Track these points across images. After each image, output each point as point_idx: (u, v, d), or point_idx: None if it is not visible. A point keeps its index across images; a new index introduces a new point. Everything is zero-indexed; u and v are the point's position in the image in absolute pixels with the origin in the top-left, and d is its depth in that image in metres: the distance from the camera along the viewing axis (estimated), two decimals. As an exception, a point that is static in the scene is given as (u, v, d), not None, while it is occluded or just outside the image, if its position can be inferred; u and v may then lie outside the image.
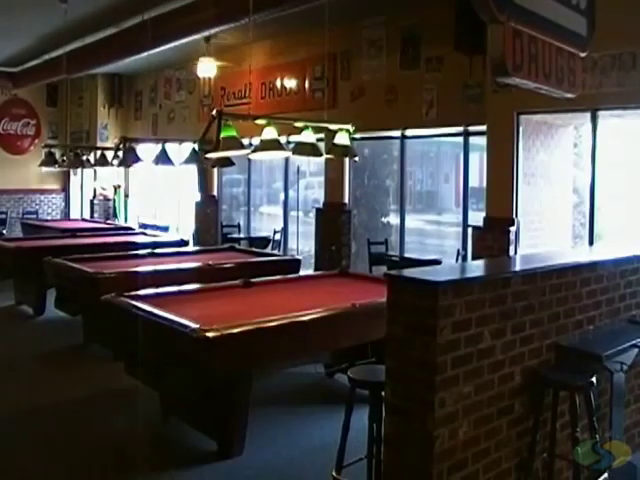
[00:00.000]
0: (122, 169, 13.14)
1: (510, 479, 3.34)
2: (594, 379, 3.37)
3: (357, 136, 7.38)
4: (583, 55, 3.82)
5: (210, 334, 3.90)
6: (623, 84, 5.97)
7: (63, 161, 10.74)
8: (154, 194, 14.53)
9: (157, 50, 8.94)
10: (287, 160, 10.68)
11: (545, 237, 7.13)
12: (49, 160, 10.71)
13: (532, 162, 7.02)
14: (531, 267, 3.57)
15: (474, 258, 7.16)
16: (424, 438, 2.93)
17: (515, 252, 6.78)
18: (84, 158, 10.44)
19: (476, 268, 4.18)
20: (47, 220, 13.83)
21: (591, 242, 6.56)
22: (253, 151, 5.90)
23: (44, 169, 11.55)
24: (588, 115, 6.43)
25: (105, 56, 10.65)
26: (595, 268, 3.91)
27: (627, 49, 5.92)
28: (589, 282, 3.84)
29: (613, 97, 6.05)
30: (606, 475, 3.47)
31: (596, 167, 6.48)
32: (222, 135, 5.33)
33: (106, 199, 14.75)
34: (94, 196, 14.76)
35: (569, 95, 3.81)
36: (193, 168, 11.32)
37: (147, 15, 7.98)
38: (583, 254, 4.86)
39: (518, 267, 3.87)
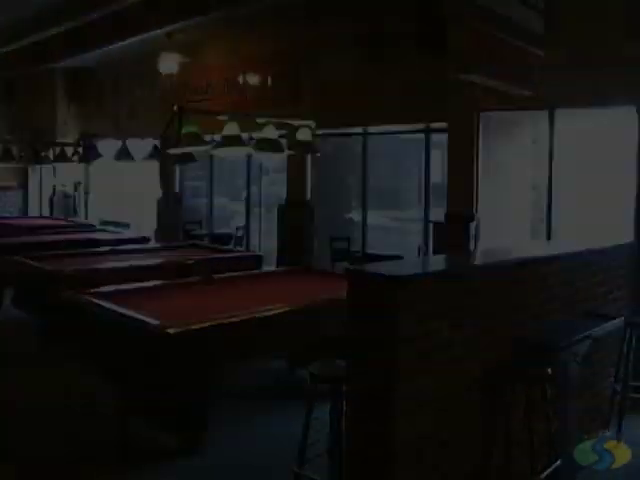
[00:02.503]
0: (82, 165, 12.93)
1: (469, 469, 3.40)
2: (549, 370, 3.45)
3: (319, 132, 7.39)
4: (541, 54, 3.90)
5: (171, 330, 3.89)
6: (579, 83, 6.09)
7: (21, 157, 10.53)
8: (116, 191, 14.34)
9: (118, 45, 8.83)
10: (250, 157, 10.64)
11: (504, 233, 7.25)
12: (6, 156, 10.47)
13: (492, 159, 7.13)
14: (490, 261, 3.64)
15: (435, 253, 7.25)
16: (384, 432, 2.97)
17: (475, 247, 6.88)
18: (43, 154, 10.26)
19: (436, 263, 4.23)
20: (4, 217, 13.52)
21: (549, 237, 6.69)
22: (215, 147, 5.87)
23: (0, 165, 11.30)
24: (546, 113, 6.55)
25: (64, 51, 10.49)
26: (552, 262, 4.01)
27: (583, 49, 6.04)
28: (546, 276, 3.93)
29: (569, 96, 6.17)
30: (559, 462, 3.57)
31: (553, 164, 6.62)
32: (183, 131, 5.31)
33: (66, 196, 14.50)
34: (53, 193, 14.49)
35: (527, 92, 3.89)
36: (155, 164, 11.21)
37: (107, 9, 7.88)
38: (540, 248, 4.96)
39: (477, 262, 3.94)
